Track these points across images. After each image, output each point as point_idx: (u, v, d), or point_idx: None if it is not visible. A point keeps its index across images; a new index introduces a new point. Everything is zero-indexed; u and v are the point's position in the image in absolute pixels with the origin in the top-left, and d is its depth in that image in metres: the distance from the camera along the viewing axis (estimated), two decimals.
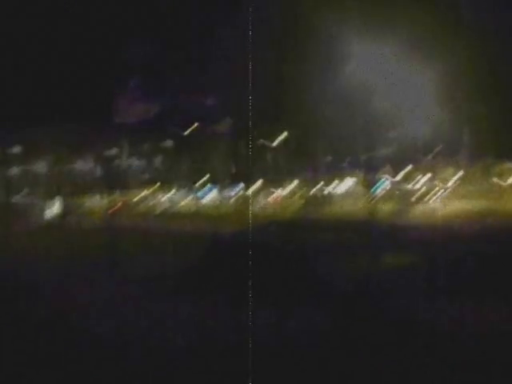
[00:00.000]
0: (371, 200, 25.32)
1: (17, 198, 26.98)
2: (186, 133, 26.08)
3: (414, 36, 21.48)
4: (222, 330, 9.94)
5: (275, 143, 33.75)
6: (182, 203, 27.13)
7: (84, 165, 27.58)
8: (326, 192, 30.33)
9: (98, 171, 27.18)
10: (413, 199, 27.95)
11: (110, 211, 23.36)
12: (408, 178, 35.13)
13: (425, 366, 8.17)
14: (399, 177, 34.71)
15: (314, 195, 29.26)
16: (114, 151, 27.07)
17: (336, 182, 30.34)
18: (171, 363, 8.73)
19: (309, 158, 31.25)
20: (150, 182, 27.48)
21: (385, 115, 23.61)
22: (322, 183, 29.69)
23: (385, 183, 28.53)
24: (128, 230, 19.75)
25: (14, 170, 27.82)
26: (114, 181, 25.57)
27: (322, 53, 22.19)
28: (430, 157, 38.63)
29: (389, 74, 22.15)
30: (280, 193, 29.34)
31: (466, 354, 8.41)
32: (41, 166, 27.75)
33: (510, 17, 22.18)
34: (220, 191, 31.50)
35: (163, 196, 27.54)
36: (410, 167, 36.35)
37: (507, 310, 10.35)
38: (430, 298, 11.09)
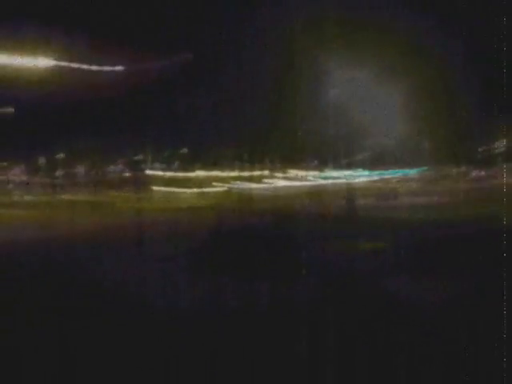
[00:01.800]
0: None
1: None
2: None
3: (383, 64, 26.99)
4: None
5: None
6: None
7: None
8: None
9: None
10: None
11: None
12: None
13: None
14: None
15: None
16: None
17: None
18: None
19: None
20: None
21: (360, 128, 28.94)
22: None
23: None
24: None
25: None
26: None
27: (310, 78, 27.66)
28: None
29: (363, 95, 27.68)
30: None
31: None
32: None
33: (465, 44, 27.54)
34: None
35: None
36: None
37: None
38: None
